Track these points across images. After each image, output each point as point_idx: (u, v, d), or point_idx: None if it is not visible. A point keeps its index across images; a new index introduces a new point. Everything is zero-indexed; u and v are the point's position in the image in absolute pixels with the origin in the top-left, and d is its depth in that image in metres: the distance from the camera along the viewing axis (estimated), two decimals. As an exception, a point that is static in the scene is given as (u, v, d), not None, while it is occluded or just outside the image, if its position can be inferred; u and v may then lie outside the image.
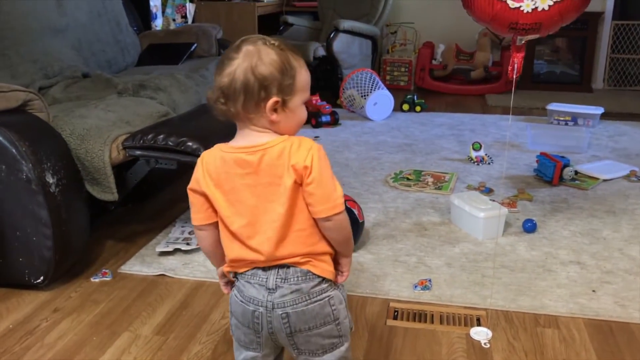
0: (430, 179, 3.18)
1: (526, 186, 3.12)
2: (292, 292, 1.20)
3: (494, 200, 2.66)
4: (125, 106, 2.47)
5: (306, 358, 1.27)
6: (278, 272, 1.21)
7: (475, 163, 3.49)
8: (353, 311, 2.00)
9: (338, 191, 1.19)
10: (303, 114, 1.23)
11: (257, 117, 1.17)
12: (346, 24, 4.94)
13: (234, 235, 1.21)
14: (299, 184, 1.16)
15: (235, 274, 1.27)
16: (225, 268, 1.29)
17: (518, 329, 1.91)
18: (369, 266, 2.28)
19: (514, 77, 1.96)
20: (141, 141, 2.10)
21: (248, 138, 1.19)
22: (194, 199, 1.24)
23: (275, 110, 1.16)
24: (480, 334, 1.87)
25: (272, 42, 1.18)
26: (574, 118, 4.29)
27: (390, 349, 1.81)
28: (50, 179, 1.96)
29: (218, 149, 1.22)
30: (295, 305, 1.21)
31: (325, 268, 1.23)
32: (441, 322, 1.95)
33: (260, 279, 1.22)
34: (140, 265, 2.30)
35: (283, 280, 1.21)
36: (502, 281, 2.17)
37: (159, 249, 2.35)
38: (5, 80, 2.55)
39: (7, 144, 1.90)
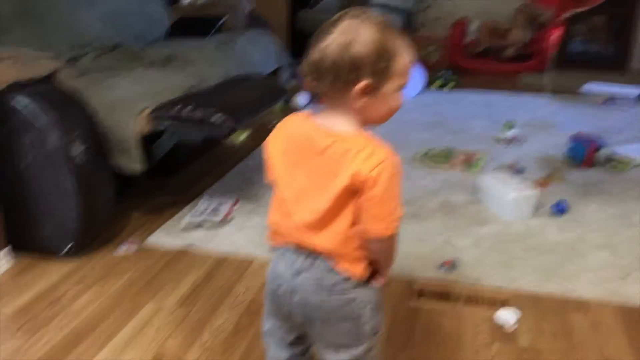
0: (460, 158, 3.12)
1: (559, 167, 3.04)
2: (313, 282, 1.16)
3: (525, 181, 2.60)
4: (153, 78, 2.46)
5: (320, 350, 1.23)
6: (307, 257, 1.16)
7: (507, 143, 3.41)
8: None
9: (397, 214, 1.10)
10: (396, 101, 1.12)
11: (344, 99, 1.08)
12: (379, -2, 4.86)
13: (281, 200, 1.18)
14: (354, 191, 1.07)
15: (273, 249, 1.24)
16: (266, 240, 1.26)
17: (546, 312, 1.87)
18: (395, 245, 2.24)
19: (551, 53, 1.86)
20: (168, 113, 2.09)
21: (329, 119, 1.11)
22: (266, 155, 1.20)
23: (364, 94, 1.06)
24: (507, 316, 1.83)
25: (376, 19, 1.07)
26: (611, 99, 4.17)
27: (413, 328, 1.79)
28: (77, 150, 1.96)
29: (300, 120, 1.17)
30: (314, 295, 1.16)
31: (353, 268, 1.15)
32: (467, 303, 1.91)
33: (289, 259, 1.18)
34: (166, 237, 2.31)
35: (309, 268, 1.16)
36: (530, 263, 2.13)
37: (185, 220, 2.36)
38: (36, 49, 2.55)
39: (36, 114, 1.91)
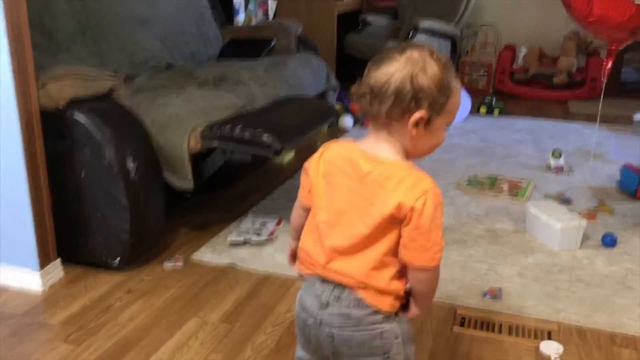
0: (505, 185, 3.09)
1: (607, 198, 2.98)
2: (341, 315, 1.15)
3: (572, 211, 2.56)
4: (205, 97, 2.52)
5: None
6: (333, 290, 1.16)
7: (555, 171, 3.37)
8: (420, 317, 1.96)
9: (441, 244, 1.12)
10: (442, 137, 1.17)
11: (396, 126, 1.12)
12: (426, 23, 4.87)
13: (316, 226, 1.20)
14: (397, 220, 1.09)
15: (301, 277, 1.26)
16: (295, 266, 1.29)
17: (592, 346, 1.83)
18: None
19: (604, 81, 1.85)
20: (219, 132, 2.15)
21: (374, 145, 1.15)
22: (303, 177, 1.24)
23: (417, 125, 1.10)
24: (551, 348, 1.81)
25: (438, 56, 1.12)
26: (663, 129, 4.07)
27: (455, 355, 1.78)
28: (131, 165, 2.03)
29: (343, 145, 1.20)
30: (341, 329, 1.16)
31: (384, 301, 1.15)
32: (510, 333, 1.89)
33: (316, 291, 1.19)
34: (212, 254, 2.35)
35: (336, 299, 1.16)
36: (577, 295, 2.09)
37: (230, 238, 2.40)
38: (95, 66, 2.66)
39: (93, 129, 1.99)
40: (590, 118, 4.70)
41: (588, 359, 1.77)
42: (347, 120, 4.17)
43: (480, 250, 2.42)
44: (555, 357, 1.77)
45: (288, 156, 3.57)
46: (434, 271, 1.15)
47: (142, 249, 2.22)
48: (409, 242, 1.10)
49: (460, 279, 2.18)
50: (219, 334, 1.87)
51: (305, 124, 2.40)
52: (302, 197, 1.26)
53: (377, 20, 5.54)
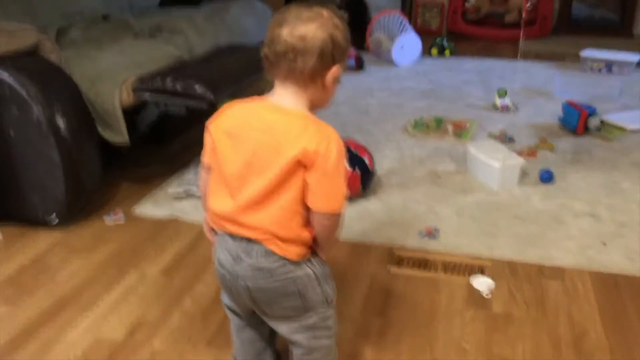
0: (450, 127, 3.12)
1: (549, 135, 3.04)
2: (253, 268, 1.19)
3: (511, 150, 2.61)
4: (139, 49, 2.47)
5: (274, 323, 1.28)
6: (242, 245, 1.19)
7: (500, 111, 3.40)
8: (357, 258, 2.01)
9: (343, 192, 1.16)
10: (335, 89, 1.22)
11: (311, 82, 1.15)
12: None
13: (222, 182, 1.21)
14: (301, 166, 1.12)
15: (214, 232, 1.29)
16: (205, 226, 1.32)
17: (522, 280, 1.90)
18: (378, 214, 2.27)
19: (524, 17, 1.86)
20: (150, 84, 2.11)
21: (281, 98, 1.17)
22: (206, 137, 1.24)
23: (331, 79, 1.16)
24: (482, 283, 1.86)
25: (339, 13, 1.17)
26: (609, 65, 4.13)
27: (390, 295, 1.83)
28: (60, 121, 1.99)
29: (247, 101, 1.21)
30: (255, 280, 1.20)
31: (291, 250, 1.19)
32: (444, 271, 1.94)
33: (228, 247, 1.22)
34: (153, 206, 2.35)
35: (247, 255, 1.19)
36: (511, 232, 2.15)
37: (171, 190, 2.39)
38: (23, 21, 2.56)
39: (18, 87, 1.93)
40: (539, 56, 4.74)
41: (517, 292, 1.84)
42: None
43: (421, 191, 2.45)
44: (487, 292, 1.83)
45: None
46: (338, 217, 1.18)
47: (79, 205, 2.20)
48: (315, 186, 1.13)
49: (399, 221, 2.22)
50: (158, 286, 1.88)
51: (242, 74, 2.36)
52: (206, 157, 1.26)
53: (327, -37, 5.42)
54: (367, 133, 3.09)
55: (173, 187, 2.42)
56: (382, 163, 2.69)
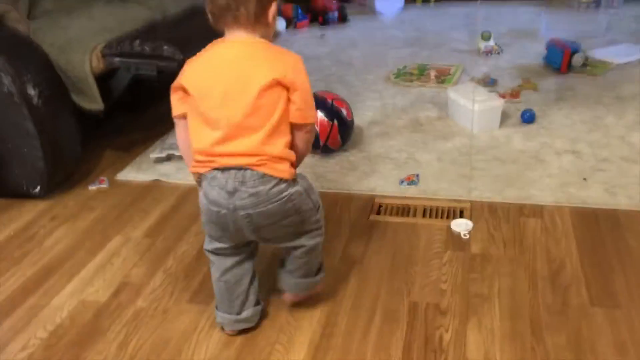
0: (433, 73, 3.09)
1: (533, 75, 3.01)
2: (250, 195, 1.29)
3: (493, 92, 2.59)
4: (110, 13, 2.44)
5: (276, 244, 1.44)
6: (236, 175, 1.29)
7: (485, 54, 3.37)
8: (338, 208, 2.02)
9: (312, 108, 1.37)
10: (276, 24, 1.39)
11: (257, 23, 1.30)
12: None
13: (202, 120, 1.31)
14: (282, 86, 1.28)
15: (200, 177, 1.36)
16: (190, 169, 1.39)
17: (500, 219, 1.91)
18: (359, 164, 2.28)
19: None
20: (119, 48, 2.09)
21: (241, 38, 1.31)
22: (174, 95, 1.37)
23: (272, 16, 1.33)
24: (461, 225, 1.88)
25: None
26: (597, 0, 4.05)
27: (369, 242, 1.84)
28: (32, 91, 1.98)
29: (202, 52, 1.36)
30: (255, 206, 1.30)
31: (282, 169, 1.31)
32: (424, 216, 1.96)
33: (220, 182, 1.30)
34: (136, 172, 2.36)
35: (241, 183, 1.29)
36: (491, 173, 2.15)
37: (153, 155, 2.40)
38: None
39: (-15, 58, 1.92)
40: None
41: (496, 232, 1.85)
42: (279, 24, 4.07)
43: (402, 139, 2.45)
44: (465, 234, 1.85)
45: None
46: (313, 128, 1.41)
47: (61, 174, 2.22)
48: (300, 103, 1.31)
49: (380, 170, 2.23)
50: (141, 248, 1.91)
51: (211, 33, 2.33)
52: (178, 108, 1.36)
53: None
54: (349, 85, 3.06)
55: (155, 152, 2.43)
56: (364, 114, 2.68)
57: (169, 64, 2.05)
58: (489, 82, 2.93)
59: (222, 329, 1.50)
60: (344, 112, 2.29)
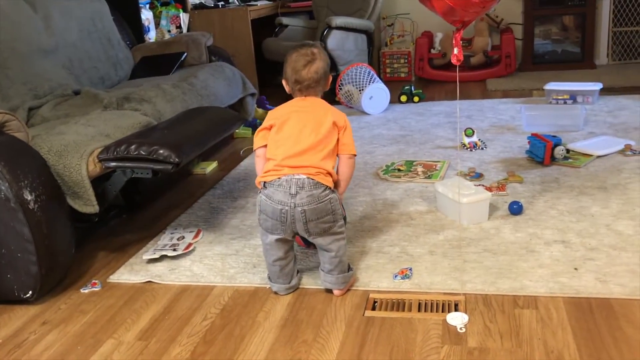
0: (420, 169, 3.17)
1: (517, 168, 3.10)
2: (307, 196, 1.93)
3: (479, 185, 2.66)
4: (107, 120, 2.52)
5: (314, 238, 1.99)
6: (297, 182, 1.93)
7: (469, 149, 3.48)
8: (334, 305, 2.02)
9: (354, 144, 2.11)
10: None
11: (321, 89, 2.12)
12: (338, 20, 4.96)
13: (280, 144, 2.02)
14: (337, 127, 2.05)
15: (264, 184, 1.99)
16: (258, 179, 2.04)
17: (495, 311, 1.91)
18: (352, 260, 2.29)
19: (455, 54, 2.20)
20: (115, 152, 2.15)
21: (312, 97, 2.10)
22: (259, 134, 2.11)
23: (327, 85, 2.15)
24: (457, 319, 1.87)
25: (319, 44, 2.35)
26: (573, 96, 4.24)
27: (365, 339, 1.83)
28: (29, 196, 2.02)
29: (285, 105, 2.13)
30: (309, 204, 1.93)
31: (328, 180, 1.99)
32: (419, 310, 1.95)
33: (284, 188, 1.94)
34: (129, 273, 2.35)
35: (301, 188, 1.93)
36: (483, 265, 2.17)
37: (146, 256, 2.40)
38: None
39: (-17, 165, 1.96)
40: (507, 94, 4.86)
41: (492, 324, 1.85)
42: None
43: (394, 234, 2.48)
44: (461, 327, 1.84)
45: (211, 166, 3.59)
46: (353, 161, 2.12)
47: (54, 279, 2.21)
48: (345, 140, 2.08)
49: (374, 265, 2.24)
50: (134, 352, 1.87)
51: (207, 134, 2.42)
52: (261, 142, 2.10)
53: (293, 22, 5.61)
54: (340, 182, 3.12)
55: (148, 253, 2.44)
56: (355, 209, 2.72)
57: (165, 167, 2.11)
58: (475, 176, 3.00)
59: (276, 293, 2.10)
60: (336, 208, 2.34)
